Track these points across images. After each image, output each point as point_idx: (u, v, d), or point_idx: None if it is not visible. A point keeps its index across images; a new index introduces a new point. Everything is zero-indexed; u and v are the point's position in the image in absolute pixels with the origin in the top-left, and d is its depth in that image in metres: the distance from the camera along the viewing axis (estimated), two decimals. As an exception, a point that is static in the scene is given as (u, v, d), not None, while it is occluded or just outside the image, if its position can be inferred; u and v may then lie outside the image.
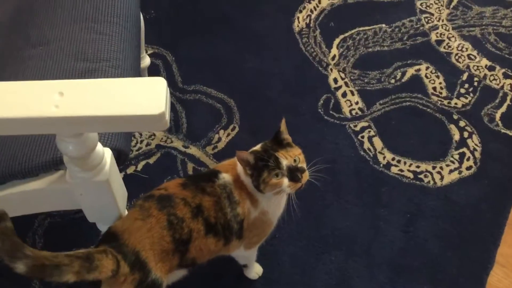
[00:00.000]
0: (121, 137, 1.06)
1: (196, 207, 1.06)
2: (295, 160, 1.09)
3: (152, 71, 1.75)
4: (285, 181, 1.08)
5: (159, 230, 1.02)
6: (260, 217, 1.15)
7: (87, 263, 0.91)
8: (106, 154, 0.97)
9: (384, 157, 1.61)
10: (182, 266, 1.10)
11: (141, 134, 1.65)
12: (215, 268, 1.39)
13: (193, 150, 1.62)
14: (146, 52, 1.76)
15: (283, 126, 1.14)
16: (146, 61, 1.63)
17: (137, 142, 1.63)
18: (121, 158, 1.06)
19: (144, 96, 0.81)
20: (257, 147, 1.14)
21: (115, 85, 0.84)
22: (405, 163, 1.60)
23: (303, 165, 1.11)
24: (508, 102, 1.72)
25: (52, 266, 0.88)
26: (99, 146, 0.94)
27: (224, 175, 1.11)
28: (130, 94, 0.82)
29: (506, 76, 1.78)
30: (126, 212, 1.12)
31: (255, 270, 1.37)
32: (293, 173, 1.08)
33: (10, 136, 1.03)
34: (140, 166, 1.58)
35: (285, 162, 1.08)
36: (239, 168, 1.12)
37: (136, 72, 1.20)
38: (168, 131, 1.65)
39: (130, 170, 1.57)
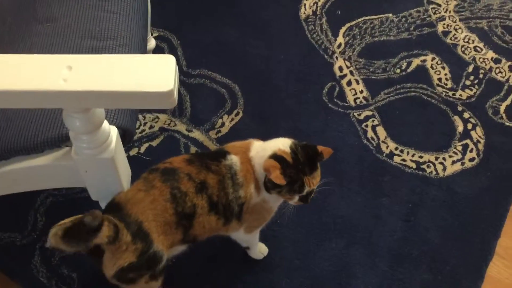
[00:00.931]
0: (127, 116, 1.06)
1: (200, 183, 1.06)
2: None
3: (157, 54, 1.74)
4: (296, 198, 1.12)
5: (162, 202, 1.03)
6: (261, 203, 1.15)
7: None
8: (112, 132, 0.97)
9: (387, 147, 1.61)
10: (184, 241, 1.10)
11: (144, 117, 1.65)
12: (216, 251, 1.40)
13: (196, 134, 1.62)
14: (152, 34, 1.75)
15: (327, 154, 1.12)
16: (151, 43, 1.63)
17: (140, 125, 1.63)
18: (126, 137, 1.06)
19: (153, 73, 0.81)
20: (285, 148, 1.09)
21: (124, 61, 0.84)
22: (408, 153, 1.60)
23: (315, 187, 1.13)
24: (513, 95, 1.72)
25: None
26: (106, 124, 0.94)
27: (233, 157, 1.11)
28: (139, 70, 0.82)
29: (511, 69, 1.77)
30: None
31: (260, 250, 1.38)
32: (306, 196, 1.12)
33: (16, 111, 1.03)
34: (143, 149, 1.58)
35: (307, 189, 1.11)
36: (253, 153, 1.11)
37: (143, 52, 1.19)
38: (171, 114, 1.65)
39: (133, 152, 1.57)
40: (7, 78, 0.79)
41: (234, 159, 1.10)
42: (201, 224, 1.08)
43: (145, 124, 1.63)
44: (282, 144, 1.11)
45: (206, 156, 1.13)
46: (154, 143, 1.59)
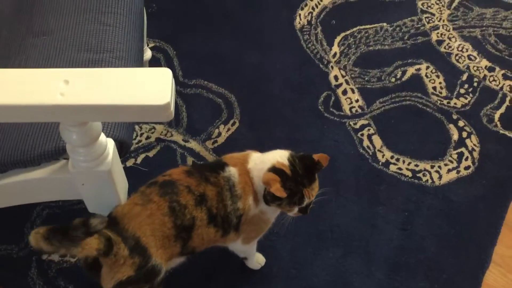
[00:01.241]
0: (124, 128, 1.06)
1: (199, 196, 1.06)
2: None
3: (153, 65, 1.75)
4: (295, 210, 1.13)
5: (160, 216, 1.02)
6: (259, 215, 1.16)
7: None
8: (109, 145, 0.97)
9: (383, 155, 1.61)
10: (182, 254, 1.10)
11: (141, 127, 1.65)
12: (214, 262, 1.40)
13: (192, 144, 1.62)
14: (148, 45, 1.75)
15: (325, 161, 1.12)
16: (147, 54, 1.63)
17: (137, 135, 1.63)
18: (123, 149, 1.07)
19: (150, 86, 0.81)
20: (283, 160, 1.10)
21: (121, 74, 0.84)
22: (404, 161, 1.60)
23: (314, 198, 1.15)
24: (507, 103, 1.73)
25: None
26: (102, 136, 0.95)
27: (231, 169, 1.11)
28: (135, 84, 0.82)
29: (505, 77, 1.79)
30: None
31: (257, 260, 1.38)
32: (306, 207, 1.14)
33: (13, 125, 1.03)
34: (139, 159, 1.58)
35: (306, 201, 1.12)
36: (251, 165, 1.12)
37: (139, 64, 1.20)
38: (168, 125, 1.65)
39: (130, 163, 1.57)
40: (5, 92, 0.79)
41: (232, 171, 1.11)
42: (200, 236, 1.08)
43: (141, 134, 1.64)
44: (280, 156, 1.11)
45: (205, 167, 1.13)
46: (151, 154, 1.60)
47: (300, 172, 1.09)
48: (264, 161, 1.11)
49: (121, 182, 1.06)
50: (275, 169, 1.08)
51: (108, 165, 0.96)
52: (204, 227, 1.07)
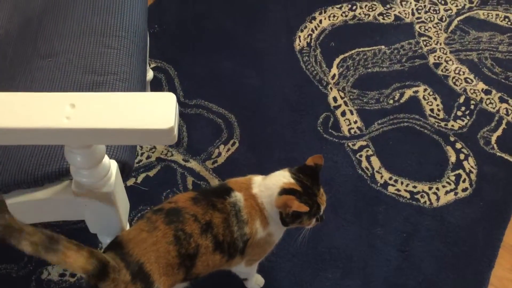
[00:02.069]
0: (127, 149, 1.07)
1: (206, 224, 1.06)
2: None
3: (155, 85, 1.77)
4: (313, 221, 1.15)
5: (164, 244, 1.03)
6: (265, 237, 1.16)
7: (48, 242, 0.88)
8: (112, 166, 0.99)
9: (382, 177, 1.63)
10: (186, 280, 1.10)
11: (141, 147, 1.66)
12: (213, 283, 1.40)
13: (193, 164, 1.63)
14: (149, 66, 1.78)
15: (320, 160, 1.15)
16: (149, 74, 1.66)
17: (137, 155, 1.64)
18: (125, 171, 1.08)
19: (154, 111, 0.83)
20: (289, 180, 1.12)
21: (126, 98, 0.86)
22: (402, 183, 1.62)
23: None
24: (503, 126, 1.75)
25: (14, 229, 0.88)
26: (106, 158, 0.96)
27: (237, 194, 1.12)
28: (140, 108, 0.84)
29: (502, 100, 1.81)
30: (128, 225, 1.13)
31: (257, 282, 1.38)
32: (321, 216, 1.16)
33: (17, 146, 1.04)
34: (140, 179, 1.59)
35: (322, 208, 1.14)
36: (256, 190, 1.13)
37: (143, 85, 1.22)
38: (168, 145, 1.67)
39: (130, 182, 1.58)
40: (12, 115, 0.80)
41: (238, 196, 1.12)
42: (205, 263, 1.08)
43: (142, 154, 1.65)
44: (284, 176, 1.13)
45: (211, 193, 1.13)
46: (151, 173, 1.61)
47: (308, 184, 1.11)
48: (269, 186, 1.12)
49: (123, 203, 1.07)
50: (285, 191, 1.10)
51: (111, 187, 0.97)
52: (210, 254, 1.07)
